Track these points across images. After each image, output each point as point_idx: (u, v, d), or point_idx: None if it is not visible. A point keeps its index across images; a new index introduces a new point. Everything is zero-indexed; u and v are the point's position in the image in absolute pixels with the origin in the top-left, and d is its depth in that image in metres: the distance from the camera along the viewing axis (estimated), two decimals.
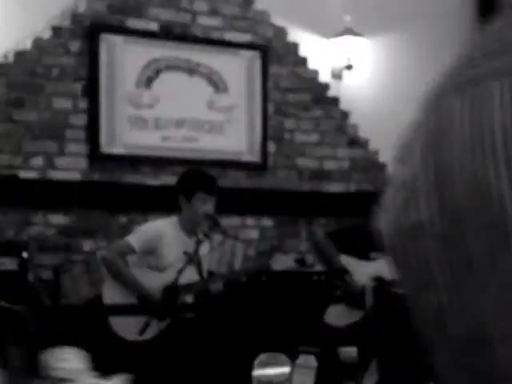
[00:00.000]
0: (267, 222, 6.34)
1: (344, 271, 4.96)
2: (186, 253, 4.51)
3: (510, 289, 0.48)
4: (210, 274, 4.89)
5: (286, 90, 6.50)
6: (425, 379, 3.98)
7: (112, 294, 4.55)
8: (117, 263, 4.55)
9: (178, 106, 6.06)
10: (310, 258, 5.54)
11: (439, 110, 0.54)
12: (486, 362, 0.51)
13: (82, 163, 5.73)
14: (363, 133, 6.78)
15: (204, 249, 4.68)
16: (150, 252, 4.62)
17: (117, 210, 5.78)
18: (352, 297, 4.91)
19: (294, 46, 6.57)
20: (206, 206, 4.62)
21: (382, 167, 6.81)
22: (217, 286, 4.55)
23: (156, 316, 4.40)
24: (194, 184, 4.67)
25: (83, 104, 5.74)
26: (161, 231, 4.64)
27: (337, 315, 4.77)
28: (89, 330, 4.55)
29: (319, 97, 6.62)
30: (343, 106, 6.72)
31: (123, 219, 5.79)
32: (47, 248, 5.54)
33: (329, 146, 6.64)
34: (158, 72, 6.00)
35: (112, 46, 5.84)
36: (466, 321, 0.51)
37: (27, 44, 5.63)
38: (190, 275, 4.52)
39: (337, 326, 4.85)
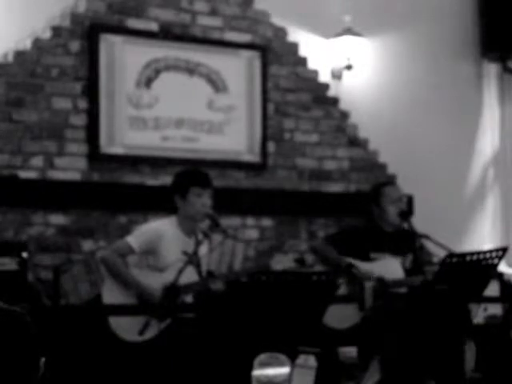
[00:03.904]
0: (267, 221, 6.33)
1: (349, 266, 4.95)
2: (185, 253, 4.51)
3: None
4: (209, 273, 4.88)
5: (286, 90, 6.49)
6: (426, 378, 3.98)
7: (112, 295, 4.55)
8: (116, 263, 4.55)
9: (178, 106, 6.06)
10: (309, 258, 5.54)
11: None
12: None
13: (82, 163, 5.73)
14: (363, 133, 6.78)
15: (203, 249, 4.68)
16: (150, 252, 4.62)
17: (116, 210, 5.78)
18: (355, 296, 4.90)
19: (294, 46, 6.57)
20: (201, 199, 4.61)
21: (381, 167, 6.81)
22: (218, 286, 4.55)
23: (156, 316, 4.40)
24: (186, 181, 4.68)
25: (83, 104, 5.74)
26: (160, 231, 4.64)
27: (337, 317, 4.76)
28: (89, 330, 4.55)
29: (319, 97, 6.62)
30: (343, 106, 6.72)
31: (123, 219, 5.79)
32: (47, 248, 5.54)
33: (328, 146, 6.63)
34: (157, 72, 6.00)
35: (112, 46, 5.84)
36: None
37: (27, 44, 5.62)
38: (190, 275, 4.52)
39: (338, 328, 4.85)
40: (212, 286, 4.55)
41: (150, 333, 4.40)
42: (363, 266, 5.00)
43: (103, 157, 5.78)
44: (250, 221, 6.28)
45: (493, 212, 7.56)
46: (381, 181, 6.03)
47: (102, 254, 4.73)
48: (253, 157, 6.31)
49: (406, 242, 5.14)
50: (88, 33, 5.76)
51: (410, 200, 6.47)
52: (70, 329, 4.51)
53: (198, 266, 4.63)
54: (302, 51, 6.60)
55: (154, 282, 4.52)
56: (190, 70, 6.12)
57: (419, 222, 5.30)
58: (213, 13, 6.24)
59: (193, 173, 4.80)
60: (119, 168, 5.84)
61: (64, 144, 5.67)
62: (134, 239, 4.61)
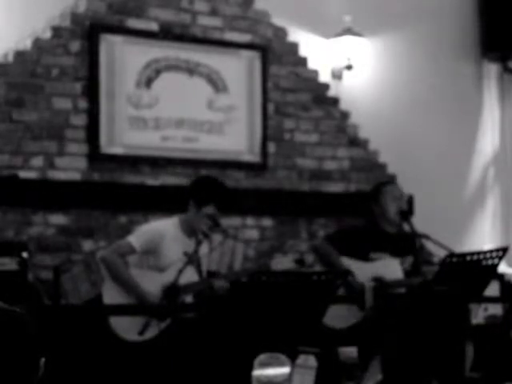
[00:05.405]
0: (267, 221, 6.33)
1: (346, 272, 4.95)
2: (186, 254, 4.51)
3: None
4: (210, 273, 4.89)
5: (286, 90, 6.49)
6: (428, 378, 3.98)
7: (112, 295, 4.55)
8: (116, 264, 4.55)
9: (178, 106, 6.05)
10: (309, 258, 5.54)
11: None
12: None
13: (82, 163, 5.73)
14: (363, 133, 6.78)
15: (204, 249, 4.68)
16: (151, 252, 4.62)
17: (117, 209, 5.78)
18: (354, 297, 4.90)
19: (294, 46, 6.57)
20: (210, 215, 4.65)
21: (381, 167, 6.81)
22: (221, 283, 4.55)
23: (156, 316, 4.40)
24: (209, 196, 4.66)
25: (83, 104, 5.74)
26: (162, 232, 4.64)
27: (337, 317, 4.77)
28: (89, 330, 4.55)
29: (319, 97, 6.62)
30: (343, 106, 6.72)
31: (123, 219, 5.79)
32: (47, 248, 5.54)
33: (329, 146, 6.63)
34: (158, 72, 6.00)
35: (112, 46, 5.84)
36: None
37: (27, 44, 5.62)
38: (190, 275, 4.53)
39: (338, 328, 4.85)
40: (216, 283, 4.56)
41: (150, 333, 4.41)
42: (363, 266, 5.00)
43: (103, 157, 5.78)
44: (250, 221, 6.28)
45: (493, 212, 7.55)
46: (381, 180, 6.04)
47: (102, 254, 4.73)
48: (253, 157, 6.30)
49: (407, 243, 5.14)
50: (88, 33, 5.76)
51: (410, 200, 6.47)
52: (70, 329, 4.51)
53: (198, 265, 4.63)
54: (302, 51, 6.59)
55: (154, 282, 4.52)
56: (190, 69, 6.12)
57: (419, 222, 5.30)
58: (213, 13, 6.24)
59: (218, 190, 4.76)
60: (119, 168, 5.84)
61: (64, 144, 5.67)
62: (135, 239, 4.61)
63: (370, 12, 6.91)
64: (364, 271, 4.98)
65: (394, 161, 6.81)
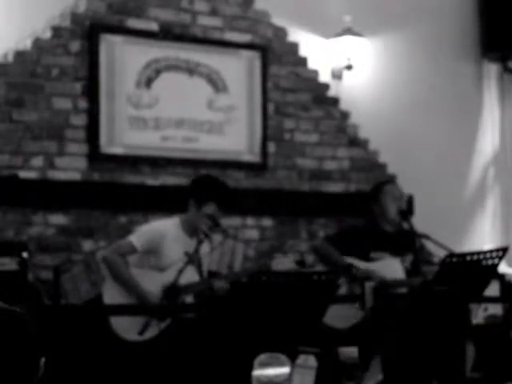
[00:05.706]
0: (267, 221, 6.33)
1: (349, 266, 4.95)
2: (187, 254, 4.51)
3: None
4: (210, 273, 4.89)
5: (286, 90, 6.49)
6: (429, 378, 3.99)
7: (112, 294, 4.55)
8: (117, 263, 4.55)
9: (178, 106, 6.05)
10: (309, 258, 5.54)
11: None
12: None
13: (82, 163, 5.73)
14: (363, 133, 6.78)
15: (204, 249, 4.68)
16: (152, 252, 4.62)
17: (117, 210, 5.78)
18: (354, 296, 4.90)
19: (294, 46, 6.56)
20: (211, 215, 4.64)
21: (381, 167, 6.81)
22: (221, 284, 4.55)
23: (156, 316, 4.40)
24: (209, 194, 4.65)
25: (83, 104, 5.74)
26: (163, 232, 4.64)
27: (338, 317, 4.76)
28: (89, 330, 4.55)
29: (319, 97, 6.61)
30: (343, 106, 6.72)
31: (123, 219, 5.79)
32: (47, 248, 5.54)
33: (329, 146, 6.63)
34: (158, 72, 6.00)
35: (112, 46, 5.84)
36: None
37: (27, 44, 5.62)
38: (190, 275, 4.53)
39: (338, 328, 4.85)
40: (216, 284, 4.56)
41: (151, 333, 4.40)
42: (363, 266, 5.00)
43: (103, 157, 5.78)
44: (250, 221, 6.27)
45: (493, 212, 7.55)
46: (381, 179, 6.04)
47: (103, 254, 4.74)
48: (253, 157, 6.30)
49: (406, 242, 5.14)
50: (88, 33, 5.76)
51: (410, 200, 6.47)
52: (70, 329, 4.51)
53: (199, 265, 4.63)
54: (302, 51, 6.59)
55: (154, 282, 4.52)
56: (190, 69, 6.12)
57: (419, 222, 5.30)
58: (213, 13, 6.24)
59: (218, 189, 4.75)
60: (119, 168, 5.84)
61: (64, 144, 5.67)
62: (136, 238, 4.61)
63: (370, 12, 6.91)
64: None
65: (394, 161, 6.81)
